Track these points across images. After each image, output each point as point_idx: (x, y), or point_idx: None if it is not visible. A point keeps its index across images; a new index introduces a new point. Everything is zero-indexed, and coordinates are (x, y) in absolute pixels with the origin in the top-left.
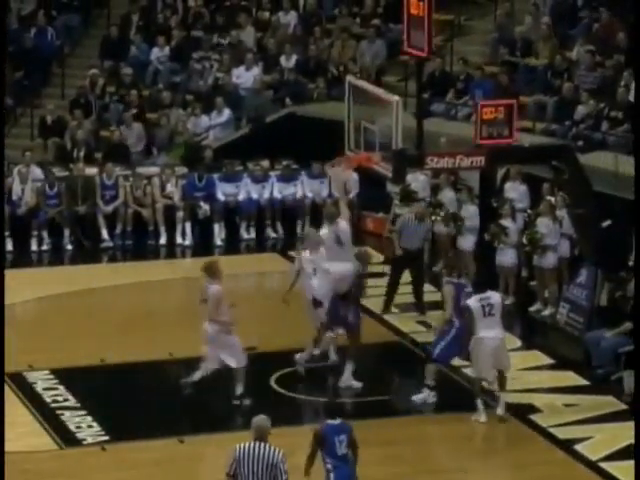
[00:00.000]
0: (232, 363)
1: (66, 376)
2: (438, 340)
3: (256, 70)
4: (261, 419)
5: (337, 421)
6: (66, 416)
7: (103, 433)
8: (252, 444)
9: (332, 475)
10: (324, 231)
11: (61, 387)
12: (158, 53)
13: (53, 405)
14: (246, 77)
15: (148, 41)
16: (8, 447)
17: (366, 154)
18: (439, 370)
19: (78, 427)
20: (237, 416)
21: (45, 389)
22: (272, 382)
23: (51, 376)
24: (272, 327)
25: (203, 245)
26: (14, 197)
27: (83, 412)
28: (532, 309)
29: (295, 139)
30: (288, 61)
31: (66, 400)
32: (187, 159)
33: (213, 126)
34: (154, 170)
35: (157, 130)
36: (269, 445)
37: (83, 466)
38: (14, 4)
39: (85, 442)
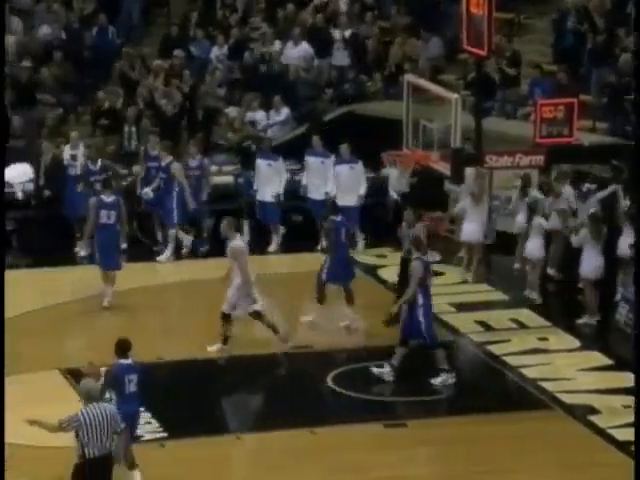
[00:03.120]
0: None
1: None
2: (417, 325)
3: (305, 45)
4: (86, 382)
5: (128, 360)
6: None
7: (161, 430)
8: (94, 407)
9: (121, 409)
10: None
11: None
12: (217, 51)
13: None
14: (296, 54)
15: (208, 39)
16: (69, 442)
17: (423, 152)
18: (447, 351)
19: None
20: (293, 414)
21: None
22: (329, 381)
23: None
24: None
25: (259, 244)
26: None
27: (141, 409)
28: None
29: (353, 137)
30: (342, 59)
31: None
32: (243, 156)
33: (271, 125)
34: (212, 168)
35: (215, 127)
36: (101, 404)
37: (141, 462)
38: (76, 4)
39: (143, 439)
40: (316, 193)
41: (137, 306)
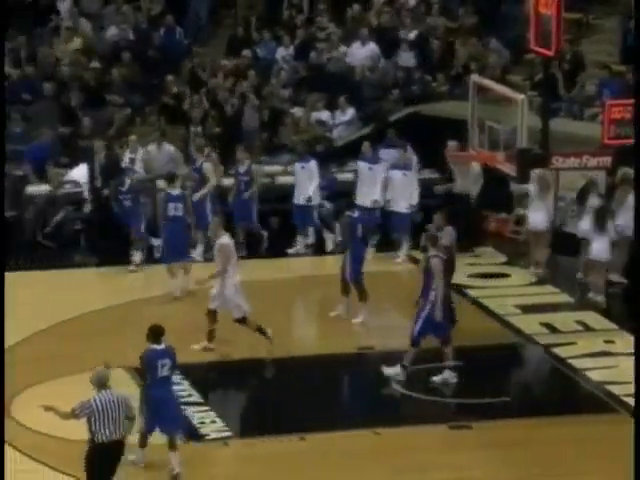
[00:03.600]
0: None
1: (190, 372)
2: (431, 321)
3: (372, 47)
4: (100, 370)
5: (161, 345)
6: (190, 411)
7: (226, 429)
8: (106, 393)
9: (150, 394)
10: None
11: (185, 382)
12: (283, 52)
13: (180, 400)
14: (362, 54)
15: (274, 39)
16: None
17: (489, 153)
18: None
19: (202, 422)
20: (357, 415)
21: None
22: (393, 382)
23: (176, 371)
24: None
25: (320, 245)
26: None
27: (207, 408)
28: None
29: (418, 138)
30: (408, 60)
31: (190, 395)
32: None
33: (336, 125)
34: (277, 168)
35: (281, 127)
36: (113, 391)
37: (206, 461)
38: (144, 5)
39: (208, 437)
40: (363, 199)
41: (204, 305)
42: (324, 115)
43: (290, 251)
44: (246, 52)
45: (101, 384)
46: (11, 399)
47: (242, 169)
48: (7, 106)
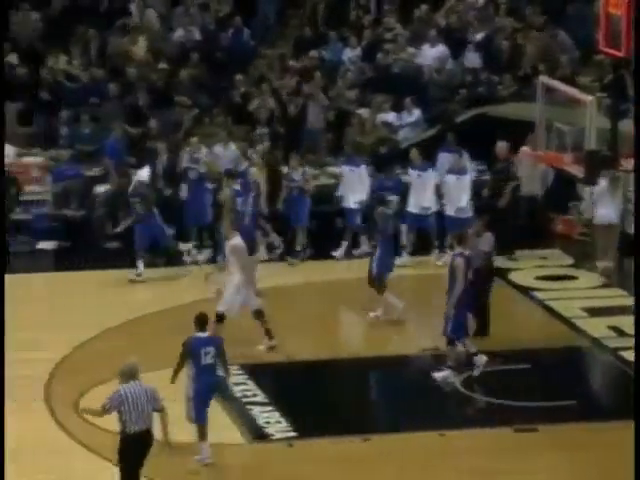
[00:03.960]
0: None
1: (255, 371)
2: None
3: (441, 48)
4: (130, 362)
5: (205, 333)
6: (255, 411)
7: (291, 429)
8: (134, 384)
9: (197, 382)
10: None
11: (250, 382)
12: (350, 53)
13: (243, 400)
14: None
15: (340, 40)
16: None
17: (556, 154)
18: (461, 350)
19: (267, 422)
20: (422, 416)
21: (235, 384)
22: (458, 384)
23: (241, 371)
24: None
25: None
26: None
27: (271, 408)
28: None
29: (484, 140)
30: (475, 61)
31: (255, 395)
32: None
33: (402, 126)
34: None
35: (347, 129)
36: (141, 382)
37: (270, 461)
38: (212, 6)
39: (273, 437)
40: (413, 206)
41: (268, 305)
42: (390, 116)
43: (336, 254)
44: (313, 53)
45: (130, 375)
46: (80, 397)
47: (296, 176)
48: (76, 108)
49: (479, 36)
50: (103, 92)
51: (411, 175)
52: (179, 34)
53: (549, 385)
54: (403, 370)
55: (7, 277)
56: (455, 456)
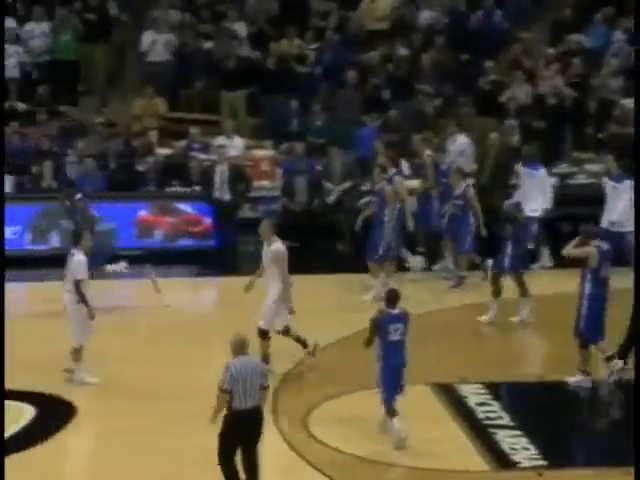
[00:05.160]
0: None
1: (500, 391)
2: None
3: None
4: (239, 334)
5: (395, 310)
6: (500, 435)
7: (540, 457)
8: (244, 359)
9: (385, 360)
10: None
11: (495, 403)
12: (618, 35)
13: (485, 422)
14: None
15: (605, 23)
16: (433, 464)
17: None
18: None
19: (512, 448)
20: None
21: (478, 404)
22: None
23: (484, 390)
24: None
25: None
26: None
27: (518, 432)
28: None
29: None
30: None
31: (500, 418)
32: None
33: None
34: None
35: (608, 121)
36: (249, 357)
37: None
38: None
39: (520, 465)
40: (605, 219)
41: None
42: None
43: (534, 266)
44: (573, 37)
45: (239, 349)
46: (309, 412)
47: (457, 192)
48: (305, 99)
49: None
50: (338, 79)
51: (608, 186)
52: (425, 17)
53: None
54: None
55: (234, 279)
56: None
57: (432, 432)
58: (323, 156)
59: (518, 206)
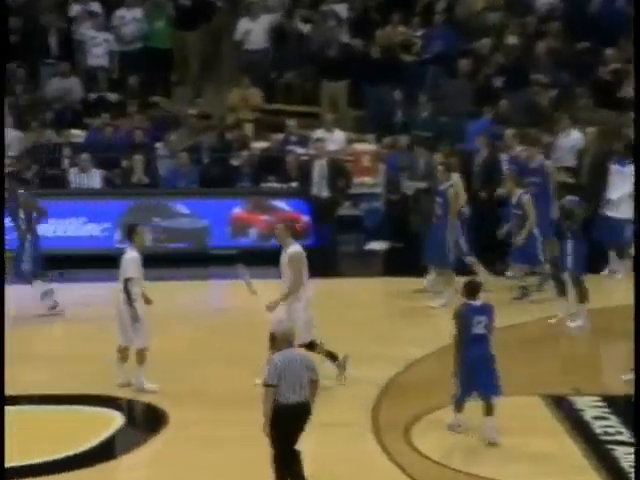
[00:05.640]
0: None
1: (620, 405)
2: None
3: None
4: (284, 326)
5: (479, 302)
6: (618, 452)
7: None
8: (288, 352)
9: (465, 353)
10: None
11: (614, 417)
12: None
13: (603, 438)
14: None
15: None
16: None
17: None
18: None
19: (632, 466)
20: None
21: (595, 418)
22: None
23: (603, 403)
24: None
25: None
26: None
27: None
28: None
29: None
30: None
31: (619, 433)
32: None
33: None
34: None
35: None
36: (295, 350)
37: None
38: None
39: None
40: None
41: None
42: None
43: (604, 273)
44: None
45: (284, 341)
46: (412, 424)
47: (513, 200)
48: (411, 89)
49: None
50: (446, 68)
51: None
52: (541, 0)
53: None
54: None
55: (334, 281)
56: None
57: (545, 447)
58: (429, 151)
59: (578, 202)
